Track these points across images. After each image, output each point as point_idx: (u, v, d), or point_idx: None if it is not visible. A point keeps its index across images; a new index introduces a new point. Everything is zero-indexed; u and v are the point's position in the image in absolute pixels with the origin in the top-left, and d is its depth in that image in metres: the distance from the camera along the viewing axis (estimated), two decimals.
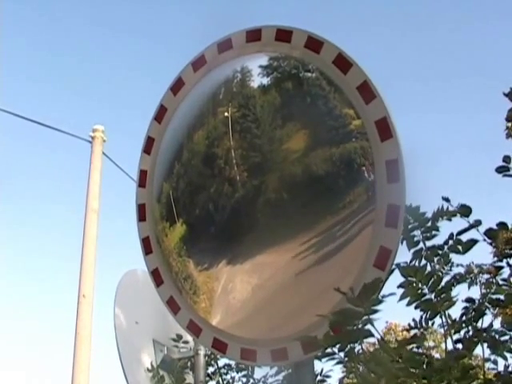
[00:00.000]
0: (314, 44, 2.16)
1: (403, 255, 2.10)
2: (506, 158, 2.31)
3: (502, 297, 2.13)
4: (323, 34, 2.16)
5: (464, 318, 2.18)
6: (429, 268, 2.10)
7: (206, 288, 2.41)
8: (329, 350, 1.79)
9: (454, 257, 2.19)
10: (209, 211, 2.42)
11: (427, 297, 2.03)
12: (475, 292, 2.20)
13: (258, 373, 3.59)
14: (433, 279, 2.00)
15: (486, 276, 2.21)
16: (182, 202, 2.53)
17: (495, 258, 2.30)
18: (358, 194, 2.06)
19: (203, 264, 2.45)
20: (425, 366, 1.72)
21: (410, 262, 2.17)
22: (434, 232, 2.15)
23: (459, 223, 2.20)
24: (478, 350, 2.12)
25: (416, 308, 2.06)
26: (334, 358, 1.80)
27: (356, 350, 1.83)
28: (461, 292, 2.12)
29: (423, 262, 2.16)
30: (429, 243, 2.18)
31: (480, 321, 2.14)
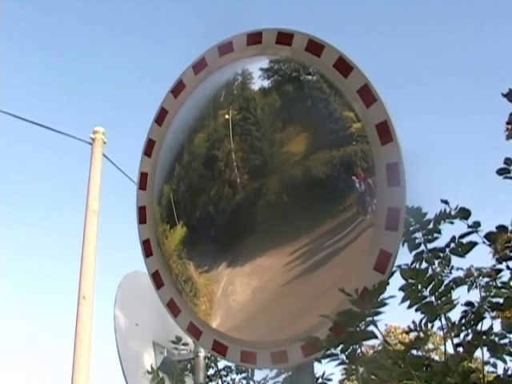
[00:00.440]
0: (315, 47, 2.17)
1: (404, 257, 2.11)
2: (507, 160, 2.31)
3: (501, 300, 2.13)
4: (323, 37, 2.17)
5: (464, 320, 2.18)
6: (430, 271, 2.10)
7: (206, 290, 2.41)
8: (330, 352, 1.79)
9: (454, 260, 2.19)
10: (209, 213, 2.42)
11: (427, 300, 2.03)
12: (475, 295, 2.20)
13: (258, 375, 3.59)
14: (434, 282, 2.00)
15: (486, 279, 2.21)
16: (182, 204, 2.53)
17: (495, 261, 2.30)
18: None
19: (203, 266, 2.45)
20: (425, 369, 1.72)
21: (411, 264, 2.17)
22: (435, 235, 2.15)
23: (457, 226, 2.21)
24: (477, 353, 2.12)
25: (416, 311, 2.06)
26: (335, 360, 1.80)
27: (357, 352, 1.83)
28: (461, 295, 2.13)
29: (424, 264, 2.16)
30: (430, 245, 2.18)
31: (480, 324, 2.14)
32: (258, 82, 2.37)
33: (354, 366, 1.81)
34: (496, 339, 2.06)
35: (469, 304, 2.20)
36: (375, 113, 2.00)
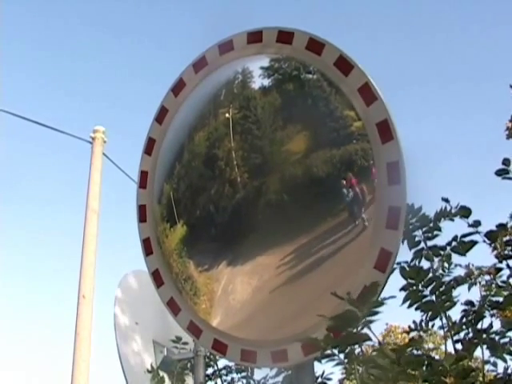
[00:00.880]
0: (316, 46, 2.17)
1: (403, 254, 2.11)
2: (505, 161, 2.31)
3: (501, 299, 2.13)
4: (325, 36, 2.17)
5: (464, 319, 2.18)
6: (430, 269, 2.11)
7: (207, 289, 2.41)
8: (329, 352, 1.79)
9: (454, 258, 2.20)
10: (209, 212, 2.42)
11: (428, 298, 2.04)
12: (475, 293, 2.21)
13: (258, 374, 3.59)
14: (434, 283, 2.00)
15: (486, 278, 2.21)
16: (182, 203, 2.53)
17: (496, 260, 2.30)
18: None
19: (204, 265, 2.45)
20: (424, 368, 1.72)
21: (411, 261, 2.17)
22: (436, 232, 2.16)
23: (457, 224, 2.21)
24: (477, 352, 2.12)
25: (417, 309, 2.06)
26: (333, 360, 1.80)
27: (356, 352, 1.83)
28: (461, 293, 2.13)
29: (423, 261, 2.17)
30: (429, 243, 2.18)
31: (480, 323, 2.14)
32: (259, 81, 2.37)
33: (353, 366, 1.81)
34: (496, 338, 2.06)
35: (469, 303, 2.20)
36: (376, 111, 1.99)
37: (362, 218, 2.03)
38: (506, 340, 2.06)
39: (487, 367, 2.15)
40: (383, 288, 1.86)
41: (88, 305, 8.15)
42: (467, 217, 2.17)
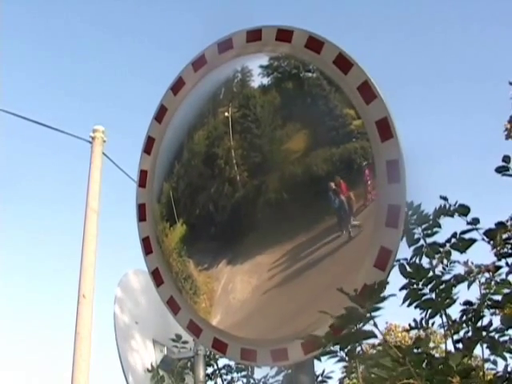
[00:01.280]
0: (315, 44, 2.16)
1: (403, 251, 2.11)
2: (505, 158, 2.31)
3: (500, 298, 2.13)
4: (325, 35, 2.16)
5: (464, 318, 2.18)
6: (429, 266, 2.11)
7: (206, 288, 2.41)
8: (330, 349, 1.79)
9: (453, 256, 2.20)
10: (209, 211, 2.42)
11: (427, 296, 2.03)
12: (475, 291, 2.20)
13: (258, 373, 3.59)
14: (434, 281, 2.00)
15: (486, 276, 2.21)
16: (182, 202, 2.53)
17: (495, 257, 2.30)
18: (357, 195, 2.06)
19: (203, 264, 2.44)
20: (424, 366, 1.72)
21: (411, 258, 2.17)
22: (435, 229, 2.16)
23: (455, 223, 2.21)
24: (477, 351, 2.12)
25: (416, 307, 2.06)
26: (334, 357, 1.80)
27: (357, 350, 1.84)
28: (460, 291, 2.13)
29: (423, 259, 2.17)
30: (429, 240, 2.18)
31: (479, 321, 2.14)
32: (258, 80, 2.37)
33: (354, 364, 1.81)
34: (496, 336, 2.06)
35: (468, 303, 2.20)
36: (375, 109, 1.99)
37: (347, 228, 2.04)
38: (506, 338, 2.06)
39: (487, 365, 2.15)
40: (384, 286, 1.86)
41: (88, 304, 8.15)
42: (466, 215, 2.17)
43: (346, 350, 1.80)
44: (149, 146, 2.66)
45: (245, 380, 3.70)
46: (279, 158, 2.25)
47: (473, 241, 2.14)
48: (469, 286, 2.15)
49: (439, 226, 2.16)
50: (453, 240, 2.16)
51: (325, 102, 2.18)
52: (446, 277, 2.15)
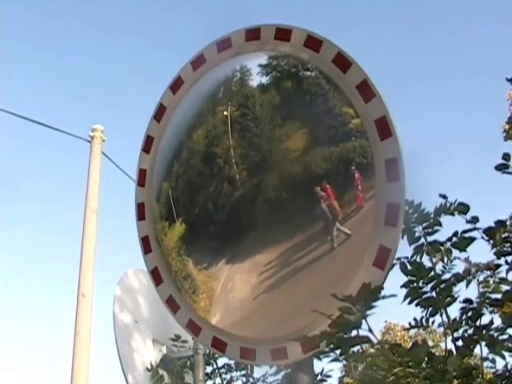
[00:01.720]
0: (314, 43, 2.16)
1: (403, 250, 2.11)
2: (505, 156, 2.31)
3: (499, 296, 2.13)
4: (324, 33, 2.16)
5: (464, 316, 2.18)
6: (430, 264, 2.11)
7: (206, 287, 2.40)
8: (327, 348, 1.79)
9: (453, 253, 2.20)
10: (208, 210, 2.42)
11: (428, 295, 2.03)
12: (474, 289, 2.20)
13: (258, 372, 3.59)
14: (435, 281, 2.00)
15: (484, 274, 2.21)
16: (181, 201, 2.53)
17: (495, 256, 2.30)
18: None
19: (203, 263, 2.44)
20: (424, 365, 1.72)
21: (411, 257, 2.17)
22: (436, 227, 2.16)
23: (455, 221, 2.21)
24: (476, 350, 2.12)
25: (417, 305, 2.06)
26: (331, 356, 1.80)
27: (356, 350, 1.83)
28: (460, 289, 2.13)
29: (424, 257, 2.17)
30: (429, 238, 2.18)
31: (479, 320, 2.14)
32: (257, 79, 2.36)
33: (353, 363, 1.81)
34: (495, 334, 2.06)
35: (467, 301, 2.20)
36: (374, 108, 1.99)
37: (332, 236, 2.04)
38: (505, 337, 2.06)
39: (485, 364, 2.15)
40: (382, 285, 1.86)
41: (87, 304, 8.14)
42: (465, 213, 2.17)
43: (341, 351, 1.80)
44: (148, 145, 2.65)
45: (244, 379, 3.70)
46: (278, 157, 2.25)
47: (472, 239, 2.14)
48: (467, 285, 2.15)
49: (440, 225, 2.16)
50: (454, 239, 2.16)
51: (324, 101, 2.18)
52: (447, 275, 2.15)
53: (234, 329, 2.27)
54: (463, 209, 2.15)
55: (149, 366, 3.64)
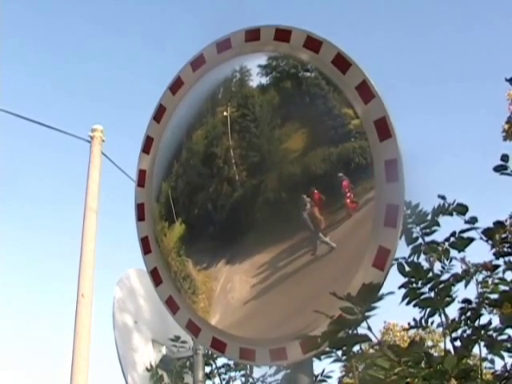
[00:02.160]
0: (313, 43, 2.16)
1: (401, 250, 2.11)
2: (503, 157, 2.32)
3: (497, 296, 2.14)
4: (324, 34, 2.16)
5: (463, 317, 2.18)
6: (428, 265, 2.11)
7: (205, 287, 2.41)
8: (327, 349, 1.79)
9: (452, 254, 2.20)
10: (208, 211, 2.42)
11: (426, 295, 2.04)
12: (473, 289, 2.21)
13: (257, 372, 3.59)
14: (434, 281, 2.00)
15: (484, 275, 2.22)
16: (181, 201, 2.53)
17: (494, 257, 2.30)
18: (356, 194, 2.06)
19: (202, 263, 2.44)
20: (423, 365, 1.72)
21: (409, 257, 2.18)
22: (434, 227, 2.16)
23: (453, 222, 2.22)
24: (475, 350, 2.13)
25: (415, 306, 2.07)
26: (331, 356, 1.80)
27: (355, 350, 1.84)
28: (458, 289, 2.13)
29: (421, 257, 2.17)
30: (427, 239, 2.19)
31: (477, 320, 2.15)
32: (257, 79, 2.37)
33: (355, 364, 1.81)
34: (494, 335, 2.07)
35: (466, 301, 2.20)
36: (374, 109, 1.99)
37: (314, 246, 2.05)
38: (504, 337, 2.06)
39: (484, 364, 2.15)
40: (382, 286, 1.86)
41: (87, 304, 8.15)
42: (464, 214, 2.17)
43: (343, 350, 1.81)
44: (147, 145, 2.66)
45: (243, 379, 3.70)
46: (278, 158, 2.25)
47: (471, 240, 2.15)
48: (466, 285, 2.16)
49: (438, 225, 2.17)
50: (452, 239, 2.17)
51: (323, 102, 2.18)
52: (445, 276, 2.16)
53: (234, 329, 2.27)
54: (462, 209, 2.16)
55: (148, 367, 3.64)
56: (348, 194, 2.03)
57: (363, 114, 2.02)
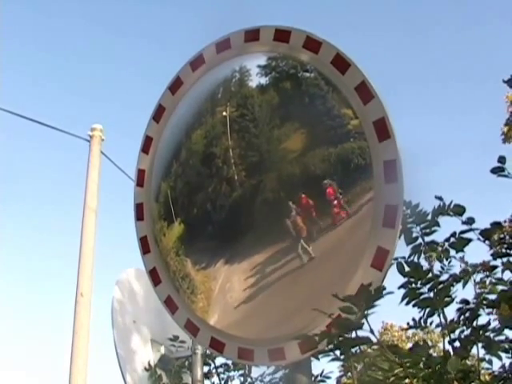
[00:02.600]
0: (313, 44, 2.17)
1: (400, 250, 2.12)
2: (500, 159, 2.32)
3: (495, 297, 2.14)
4: (323, 34, 2.16)
5: (461, 317, 2.19)
6: (427, 265, 2.12)
7: (204, 287, 2.41)
8: (327, 348, 1.79)
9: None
10: (207, 210, 2.42)
11: (426, 295, 2.04)
12: (471, 290, 2.21)
13: (256, 372, 3.59)
14: (433, 282, 2.01)
15: (481, 275, 2.22)
16: (180, 201, 2.53)
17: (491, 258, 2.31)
18: (355, 195, 2.06)
19: (201, 263, 2.44)
20: (422, 366, 1.72)
21: (408, 257, 2.18)
22: (434, 228, 2.16)
23: (453, 222, 2.22)
24: (473, 350, 2.12)
25: (414, 306, 2.07)
26: (329, 355, 1.80)
27: (354, 350, 1.84)
28: (457, 289, 2.14)
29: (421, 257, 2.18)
30: (427, 239, 2.19)
31: (475, 320, 2.15)
32: (256, 79, 2.37)
33: (354, 364, 1.81)
34: (492, 335, 2.07)
35: (464, 301, 2.21)
36: (373, 110, 2.00)
37: (297, 253, 2.05)
38: (502, 338, 2.07)
39: (482, 365, 2.15)
40: (381, 286, 1.86)
41: (86, 303, 8.13)
42: (461, 214, 2.18)
43: (341, 350, 1.81)
44: (147, 145, 2.66)
45: (242, 378, 3.70)
46: (277, 158, 2.25)
47: (468, 240, 2.15)
48: (464, 285, 2.16)
49: (438, 225, 2.17)
50: (451, 239, 2.17)
51: (322, 102, 2.18)
52: (445, 276, 2.16)
53: (232, 329, 2.27)
54: (459, 210, 2.16)
55: (147, 366, 3.64)
56: (335, 202, 2.03)
57: (362, 115, 2.02)
